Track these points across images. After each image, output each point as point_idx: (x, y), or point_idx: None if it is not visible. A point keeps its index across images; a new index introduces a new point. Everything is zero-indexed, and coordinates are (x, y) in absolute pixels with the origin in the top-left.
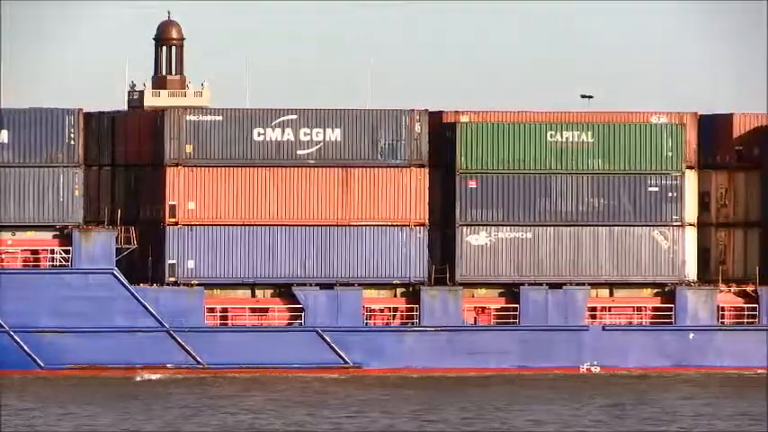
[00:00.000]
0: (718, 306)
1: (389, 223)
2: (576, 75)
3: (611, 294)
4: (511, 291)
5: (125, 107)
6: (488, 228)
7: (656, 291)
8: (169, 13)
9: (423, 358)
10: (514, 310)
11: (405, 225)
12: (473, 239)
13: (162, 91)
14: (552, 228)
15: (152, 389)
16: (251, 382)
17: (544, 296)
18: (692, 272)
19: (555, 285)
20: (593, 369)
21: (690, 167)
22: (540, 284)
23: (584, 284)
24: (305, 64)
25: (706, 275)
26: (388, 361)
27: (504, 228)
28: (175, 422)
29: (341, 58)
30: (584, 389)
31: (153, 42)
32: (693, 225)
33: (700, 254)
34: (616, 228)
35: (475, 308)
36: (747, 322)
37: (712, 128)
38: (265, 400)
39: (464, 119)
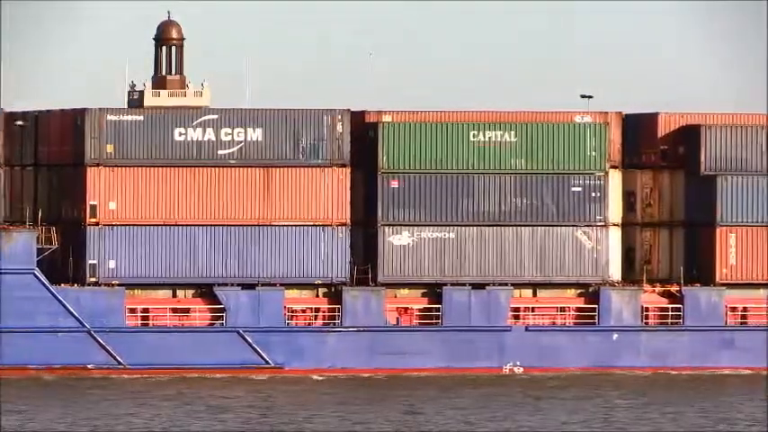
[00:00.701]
0: (642, 306)
1: (311, 223)
2: (576, 75)
3: (535, 295)
4: (433, 291)
5: (125, 107)
6: (411, 228)
7: (579, 291)
8: (169, 13)
9: (345, 359)
10: (437, 310)
11: (326, 225)
12: (395, 239)
13: (162, 91)
14: (475, 228)
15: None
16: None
17: (467, 296)
18: (616, 272)
19: (478, 286)
20: (515, 370)
21: (614, 167)
22: (463, 285)
23: (507, 285)
24: (305, 64)
25: (631, 275)
26: (309, 361)
27: (427, 228)
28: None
29: (341, 59)
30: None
31: (153, 42)
32: (618, 225)
33: (625, 254)
34: (539, 228)
35: (397, 308)
36: (671, 323)
37: (637, 127)
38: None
39: (386, 118)
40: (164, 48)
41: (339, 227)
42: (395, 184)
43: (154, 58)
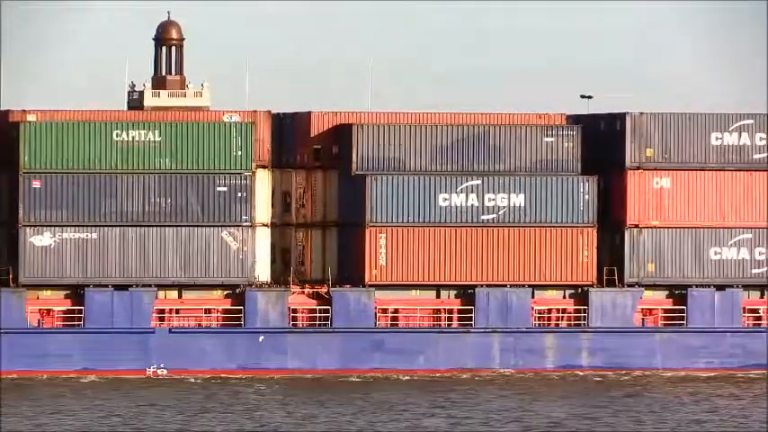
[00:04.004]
0: (289, 308)
1: None
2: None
3: (180, 296)
4: (76, 292)
5: (125, 107)
6: (53, 228)
7: (226, 293)
8: (169, 13)
9: None
10: (80, 312)
11: None
12: (37, 240)
13: (162, 91)
14: (118, 228)
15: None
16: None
17: (109, 298)
18: (263, 273)
19: (121, 287)
20: (159, 372)
21: (262, 167)
22: (106, 286)
23: (150, 286)
24: (305, 64)
25: (285, 276)
26: None
27: (69, 228)
28: None
29: (341, 58)
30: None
31: (153, 42)
32: (266, 225)
33: (281, 255)
34: (183, 228)
35: (39, 310)
36: (319, 324)
37: (291, 126)
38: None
39: (30, 117)
40: (164, 48)
41: None
42: (37, 183)
43: (154, 58)
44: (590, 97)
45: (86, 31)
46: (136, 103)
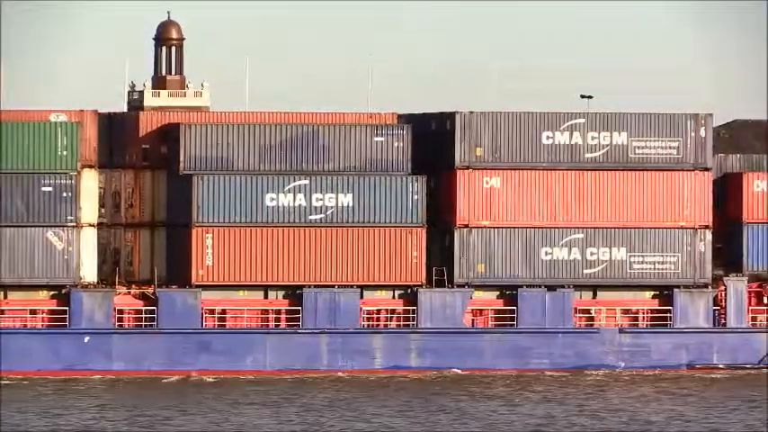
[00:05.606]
0: (115, 308)
1: None
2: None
3: (5, 297)
4: None
5: (125, 107)
6: None
7: (51, 293)
8: (169, 13)
9: None
10: None
11: None
12: None
13: (162, 91)
14: None
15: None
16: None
17: None
18: (90, 273)
19: None
20: None
21: (89, 166)
22: None
23: None
24: (305, 64)
25: (112, 277)
26: None
27: None
28: None
29: (341, 58)
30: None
31: (153, 42)
32: (93, 225)
33: (112, 255)
34: (8, 229)
35: None
36: (145, 325)
37: (120, 126)
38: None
39: None
40: (164, 48)
41: None
42: None
43: (154, 58)
44: (590, 97)
45: (86, 31)
46: (136, 103)
